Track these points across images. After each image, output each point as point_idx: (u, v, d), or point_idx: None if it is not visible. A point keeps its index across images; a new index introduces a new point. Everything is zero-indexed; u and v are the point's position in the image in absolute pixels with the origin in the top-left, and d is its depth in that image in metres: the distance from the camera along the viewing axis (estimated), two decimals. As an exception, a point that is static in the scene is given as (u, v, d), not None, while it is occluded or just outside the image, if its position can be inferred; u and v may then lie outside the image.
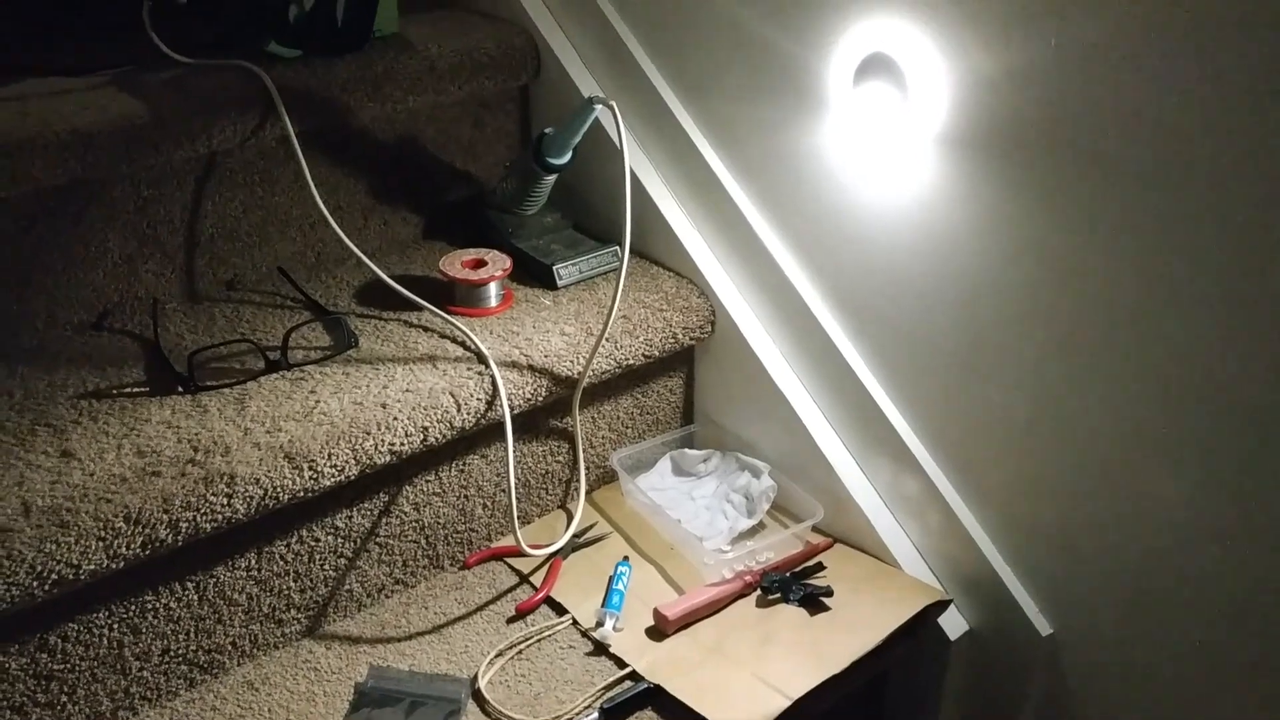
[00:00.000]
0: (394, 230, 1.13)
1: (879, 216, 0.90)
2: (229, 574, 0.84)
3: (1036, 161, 0.78)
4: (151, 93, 0.95)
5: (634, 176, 1.02)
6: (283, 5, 0.99)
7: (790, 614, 0.91)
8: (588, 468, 1.04)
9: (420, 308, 0.99)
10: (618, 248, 1.07)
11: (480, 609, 0.93)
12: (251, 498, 0.79)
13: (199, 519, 0.77)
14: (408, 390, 0.88)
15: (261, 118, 0.98)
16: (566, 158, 1.02)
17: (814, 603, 0.91)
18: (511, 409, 0.92)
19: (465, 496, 0.96)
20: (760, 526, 1.00)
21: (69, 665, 0.78)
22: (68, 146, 0.89)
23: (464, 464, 0.95)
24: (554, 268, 1.04)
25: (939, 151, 0.83)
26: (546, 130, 1.01)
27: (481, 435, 0.94)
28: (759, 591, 0.92)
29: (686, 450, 1.06)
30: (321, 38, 1.03)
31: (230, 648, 0.86)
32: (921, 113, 0.84)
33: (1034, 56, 0.76)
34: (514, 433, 0.92)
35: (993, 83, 0.79)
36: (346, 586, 0.91)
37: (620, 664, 0.86)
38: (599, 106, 0.96)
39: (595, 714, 0.82)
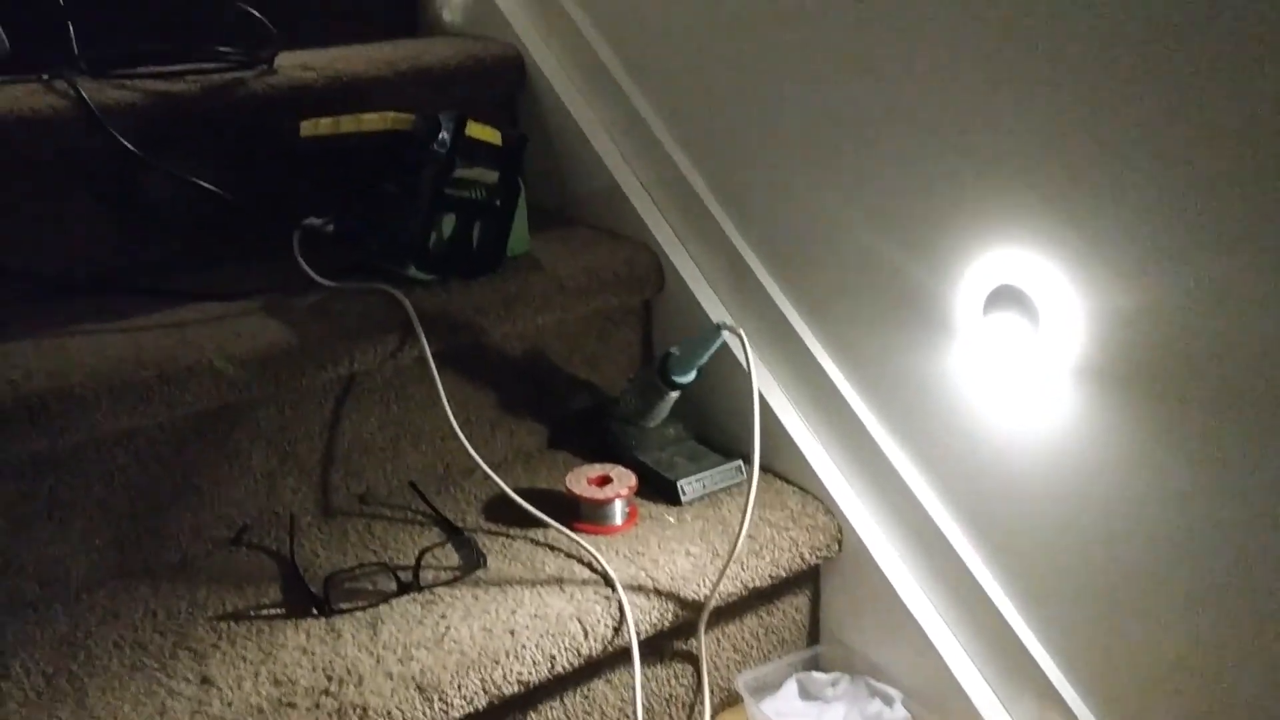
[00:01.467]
0: (520, 441, 1.15)
1: (1013, 444, 0.89)
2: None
3: (1177, 400, 0.76)
4: (299, 318, 1.00)
5: (761, 398, 1.03)
6: (423, 235, 1.04)
7: None
8: (712, 691, 1.02)
9: (546, 525, 1.00)
10: (741, 463, 1.08)
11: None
12: (383, 732, 0.79)
13: (332, 755, 0.77)
14: (536, 616, 0.88)
15: (400, 341, 1.02)
16: (691, 376, 1.04)
17: None
18: (638, 635, 0.91)
19: (589, 722, 0.95)
20: (893, 759, 0.95)
21: None
22: (222, 374, 0.93)
23: (588, 689, 0.94)
24: (678, 484, 1.04)
25: (1075, 384, 0.82)
26: (672, 350, 1.03)
27: (606, 659, 0.93)
28: (896, 835, 0.88)
29: (814, 673, 1.03)
30: (458, 263, 1.07)
31: None
32: (1055, 345, 0.83)
33: (1169, 294, 0.75)
34: (640, 658, 0.91)
35: (1128, 318, 0.78)
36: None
37: None
38: (726, 332, 0.97)
39: None
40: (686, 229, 1.16)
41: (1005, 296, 0.86)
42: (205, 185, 1.09)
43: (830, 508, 1.03)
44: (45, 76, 1.12)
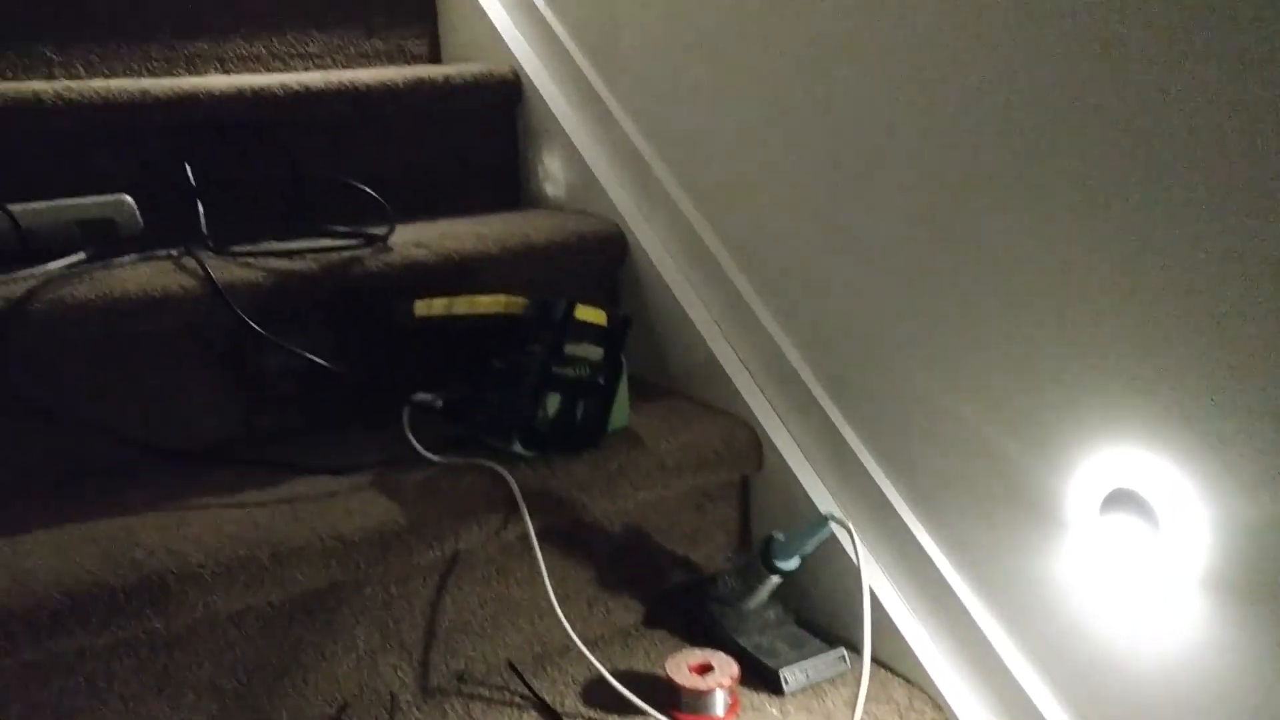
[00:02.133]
0: (616, 618, 1.15)
1: (1134, 650, 0.86)
2: None
3: (1318, 616, 0.74)
4: (408, 496, 1.02)
5: (870, 591, 1.02)
6: (529, 413, 1.06)
7: None
8: None
9: (645, 714, 0.98)
10: (844, 651, 1.05)
11: None
12: None
13: None
14: (639, 815, 0.86)
15: (504, 519, 1.03)
16: (795, 563, 1.03)
17: None
18: (743, 838, 0.88)
19: None
20: None
21: None
22: (332, 553, 0.95)
23: None
24: (781, 672, 1.02)
25: (1202, 594, 0.80)
26: (776, 535, 1.03)
27: None
28: None
29: None
30: (562, 439, 1.09)
31: None
32: (1178, 552, 0.81)
33: (1305, 508, 0.73)
34: None
35: (1256, 531, 0.76)
36: None
37: None
38: (834, 524, 0.97)
39: None
40: (786, 407, 1.17)
41: (1122, 498, 0.85)
42: (320, 361, 1.13)
43: (939, 703, 1.00)
44: (175, 253, 1.18)
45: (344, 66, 1.65)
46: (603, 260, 1.34)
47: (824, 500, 1.11)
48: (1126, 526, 0.84)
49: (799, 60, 1.08)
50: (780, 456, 1.15)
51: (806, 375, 1.14)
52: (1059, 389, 0.88)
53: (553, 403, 1.08)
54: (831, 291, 1.09)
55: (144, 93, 1.27)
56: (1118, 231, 0.82)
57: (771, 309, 1.18)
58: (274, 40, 1.60)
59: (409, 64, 1.69)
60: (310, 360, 1.14)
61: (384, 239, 1.23)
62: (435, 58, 1.72)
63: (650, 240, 1.32)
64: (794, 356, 1.15)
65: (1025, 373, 0.91)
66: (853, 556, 0.97)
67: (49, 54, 1.46)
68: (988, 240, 0.92)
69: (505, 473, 1.04)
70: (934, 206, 0.96)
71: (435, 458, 1.08)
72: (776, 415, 1.18)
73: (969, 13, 0.89)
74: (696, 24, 1.21)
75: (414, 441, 1.09)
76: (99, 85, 1.26)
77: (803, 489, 1.12)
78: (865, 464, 1.08)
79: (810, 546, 1.00)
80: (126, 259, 1.16)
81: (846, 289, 1.07)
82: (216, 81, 1.33)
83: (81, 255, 1.14)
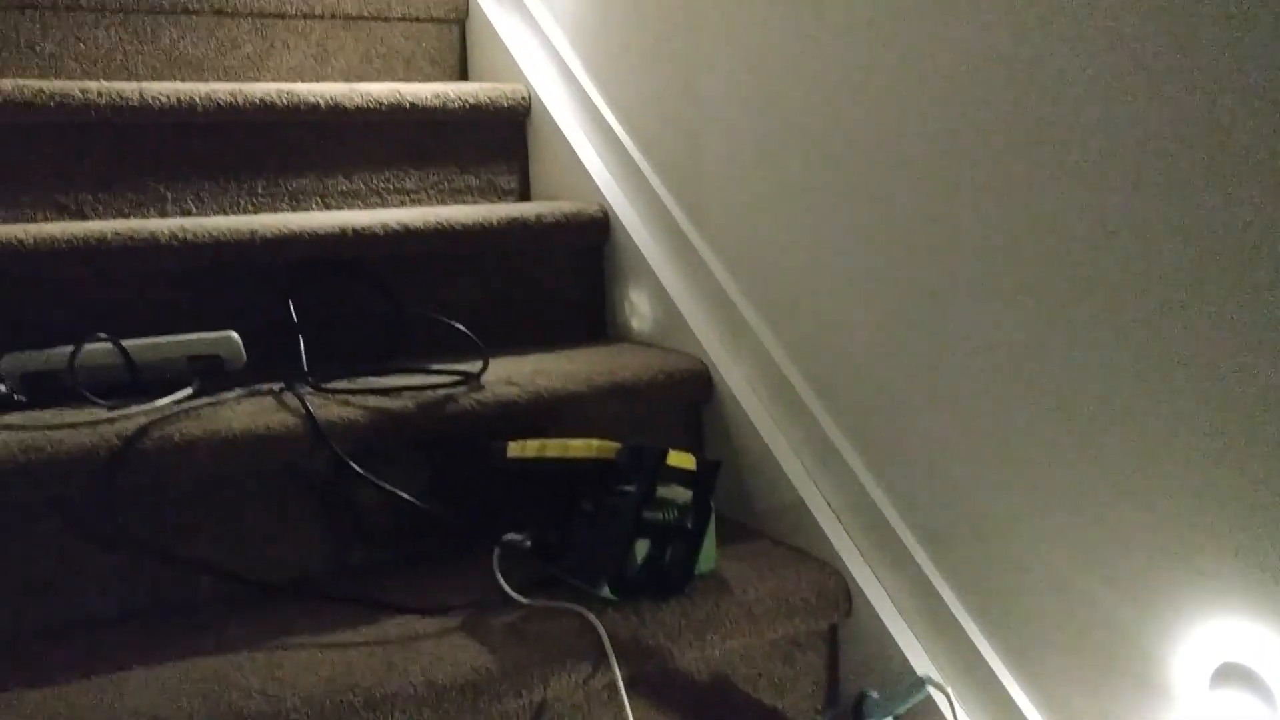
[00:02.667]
0: (700, 768, 1.13)
1: (1252, 835, 0.82)
2: None
3: None
4: (496, 640, 1.02)
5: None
6: (619, 560, 1.06)
7: None
8: None
9: None
10: (938, 814, 1.02)
11: None
12: None
13: None
14: None
15: (593, 667, 1.02)
16: (887, 721, 1.01)
17: None
18: None
19: None
20: None
21: None
22: (424, 700, 0.95)
23: None
24: (872, 836, 1.00)
25: (1325, 780, 0.77)
26: (870, 693, 1.01)
27: None
28: None
29: None
30: (650, 584, 1.09)
31: None
32: (1298, 734, 0.78)
33: None
34: None
35: (1385, 717, 0.73)
36: None
37: None
38: (931, 688, 0.95)
39: None
40: (876, 555, 1.16)
41: (1233, 673, 0.82)
42: (412, 500, 1.15)
43: None
44: (277, 389, 1.22)
45: (438, 201, 1.71)
46: (688, 397, 1.35)
47: (916, 654, 1.09)
48: (1238, 704, 0.82)
49: (888, 207, 1.10)
50: (870, 606, 1.13)
51: (896, 523, 1.13)
52: (1166, 550, 0.87)
53: (642, 549, 1.08)
54: (922, 440, 1.09)
55: (253, 233, 1.33)
56: (1231, 396, 0.81)
57: (860, 453, 1.18)
58: (372, 176, 1.66)
59: (500, 198, 1.75)
60: (403, 499, 1.16)
61: (477, 377, 1.26)
62: (525, 192, 1.77)
63: (736, 379, 1.33)
64: (883, 503, 1.15)
65: (1130, 531, 0.89)
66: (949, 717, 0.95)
67: (162, 190, 1.53)
68: (1086, 393, 0.91)
69: (594, 620, 1.04)
70: (1026, 360, 0.96)
71: (524, 600, 1.09)
72: (866, 563, 1.17)
73: (1094, 166, 0.91)
74: (785, 166, 1.24)
75: (503, 583, 1.10)
76: (211, 225, 1.32)
77: (894, 641, 1.10)
78: (959, 618, 1.06)
79: (904, 707, 0.98)
80: (231, 394, 1.20)
81: (938, 437, 1.07)
82: (321, 221, 1.38)
83: (189, 390, 1.19)
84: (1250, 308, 0.79)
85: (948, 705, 0.92)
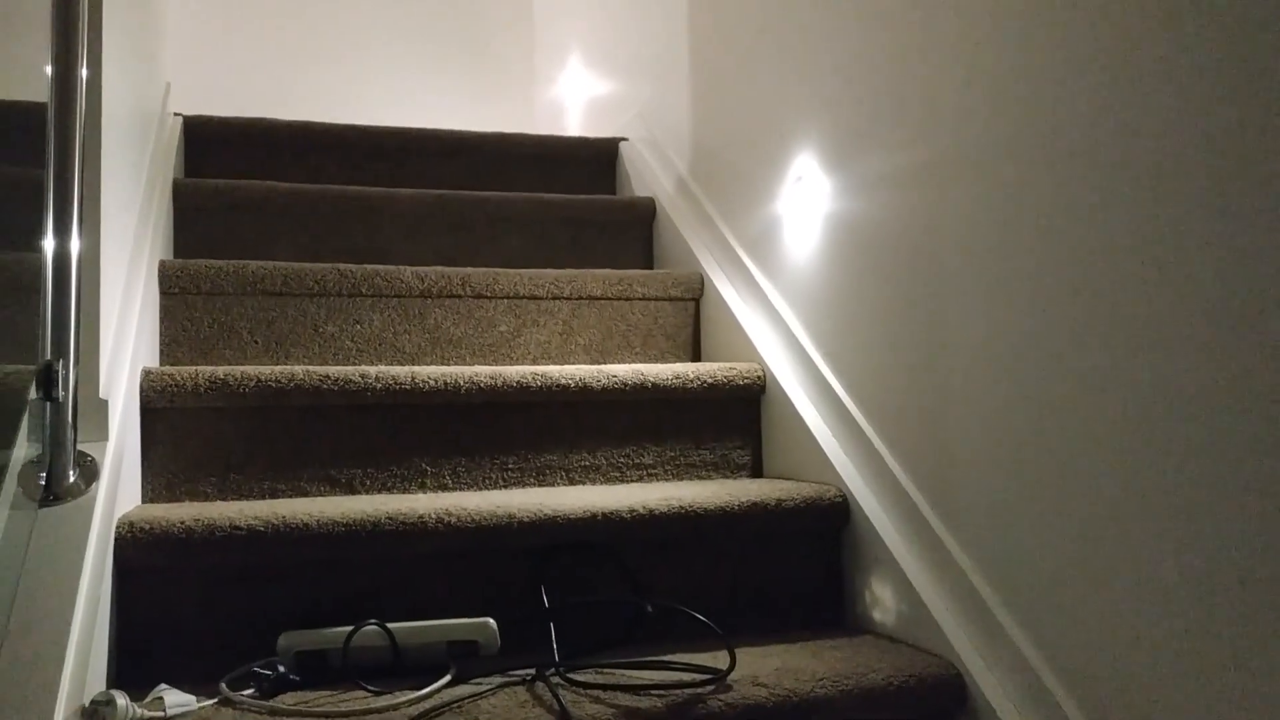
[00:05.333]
0: None
1: None
2: None
3: None
4: None
5: None
6: None
7: None
8: None
9: None
10: None
11: None
12: None
13: None
14: None
15: None
16: None
17: None
18: None
19: None
20: None
21: None
22: None
23: None
24: None
25: None
26: None
27: None
28: None
29: None
30: None
31: None
32: None
33: None
34: None
35: None
36: None
37: None
38: None
39: None
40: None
41: None
42: (663, 808, 1.13)
43: None
44: (528, 677, 1.24)
45: (674, 476, 1.75)
46: (938, 703, 1.29)
47: None
48: None
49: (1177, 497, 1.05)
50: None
51: None
52: None
53: None
54: (1217, 787, 1.00)
55: (510, 517, 1.40)
56: None
57: (1139, 788, 1.09)
58: (613, 452, 1.73)
59: (733, 473, 1.78)
60: (651, 805, 1.14)
61: (724, 676, 1.25)
62: (757, 468, 1.80)
63: (991, 688, 1.27)
64: None
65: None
66: None
67: (424, 465, 1.63)
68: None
69: None
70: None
71: None
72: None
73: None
74: (1047, 452, 1.21)
75: None
76: (473, 509, 1.39)
77: None
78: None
79: None
80: (487, 682, 1.23)
81: (1237, 788, 0.98)
82: (571, 502, 1.44)
83: (448, 678, 1.22)
84: None
85: None
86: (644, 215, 2.34)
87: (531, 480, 1.69)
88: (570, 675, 1.26)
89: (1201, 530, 1.02)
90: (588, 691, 1.21)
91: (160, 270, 1.76)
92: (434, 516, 1.38)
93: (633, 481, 1.73)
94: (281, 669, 1.24)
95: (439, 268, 1.90)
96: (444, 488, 1.64)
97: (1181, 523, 1.04)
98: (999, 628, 1.27)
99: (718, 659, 1.29)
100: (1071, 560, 1.17)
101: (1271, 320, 0.95)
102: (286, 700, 1.17)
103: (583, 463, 1.71)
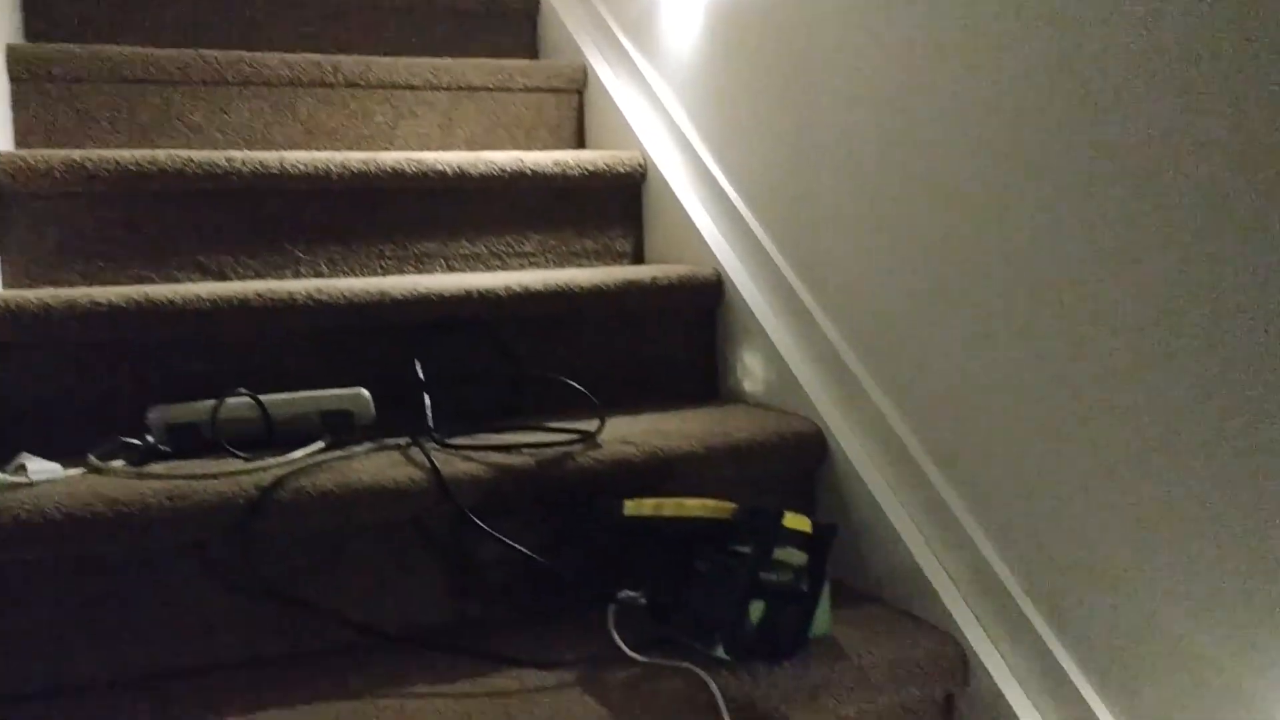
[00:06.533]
0: (813, 836, 1.11)
1: None
2: None
3: None
4: (611, 697, 1.03)
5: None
6: (734, 620, 1.07)
7: None
8: None
9: None
10: None
11: None
12: None
13: None
14: None
15: (708, 728, 1.03)
16: (1009, 795, 0.98)
17: None
18: None
19: None
20: None
21: None
22: (541, 753, 0.97)
23: None
24: None
25: None
26: (989, 765, 0.99)
27: None
28: None
29: None
30: (764, 646, 1.09)
31: None
32: None
33: None
34: None
35: None
36: None
37: None
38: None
39: None
40: (994, 623, 1.14)
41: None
42: (533, 556, 1.18)
43: None
44: (403, 444, 1.26)
45: (556, 264, 1.76)
46: (802, 460, 1.36)
47: (1037, 727, 1.07)
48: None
49: (1019, 264, 1.10)
50: (988, 675, 1.11)
51: (1017, 591, 1.11)
52: (1304, 632, 0.84)
53: (757, 610, 1.08)
54: (1047, 509, 1.07)
55: (383, 294, 1.39)
56: (1366, 473, 0.78)
57: (980, 520, 1.16)
58: (494, 240, 1.72)
59: (615, 261, 1.79)
60: (523, 553, 1.18)
61: (594, 435, 1.28)
62: (639, 256, 1.81)
63: (850, 443, 1.33)
64: (1003, 571, 1.13)
65: (1267, 597, 0.87)
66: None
67: (297, 253, 1.61)
68: (1219, 461, 0.89)
69: (709, 680, 1.05)
70: (1169, 426, 0.95)
71: (639, 657, 1.10)
72: (983, 631, 1.15)
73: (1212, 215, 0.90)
74: (905, 219, 1.25)
75: (618, 639, 1.11)
76: (344, 287, 1.38)
77: (1012, 711, 1.08)
78: (1079, 688, 1.04)
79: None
80: (361, 449, 1.25)
81: (1064, 507, 1.05)
82: (447, 283, 1.44)
83: (321, 444, 1.24)
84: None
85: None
86: (529, 4, 2.26)
87: (411, 269, 1.68)
88: (446, 442, 1.28)
89: (1024, 272, 1.06)
90: (460, 452, 1.24)
91: (8, 55, 1.67)
92: (304, 294, 1.37)
93: (514, 269, 1.73)
94: (151, 439, 1.24)
95: (309, 55, 1.83)
96: (319, 275, 1.62)
97: (1010, 269, 1.08)
98: (859, 387, 1.33)
99: (592, 426, 1.32)
100: (918, 318, 1.22)
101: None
102: (156, 469, 1.18)
103: (463, 251, 1.71)
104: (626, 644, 1.11)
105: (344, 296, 1.38)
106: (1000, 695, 1.10)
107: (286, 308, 1.35)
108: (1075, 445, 1.03)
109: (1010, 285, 1.09)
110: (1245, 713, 0.89)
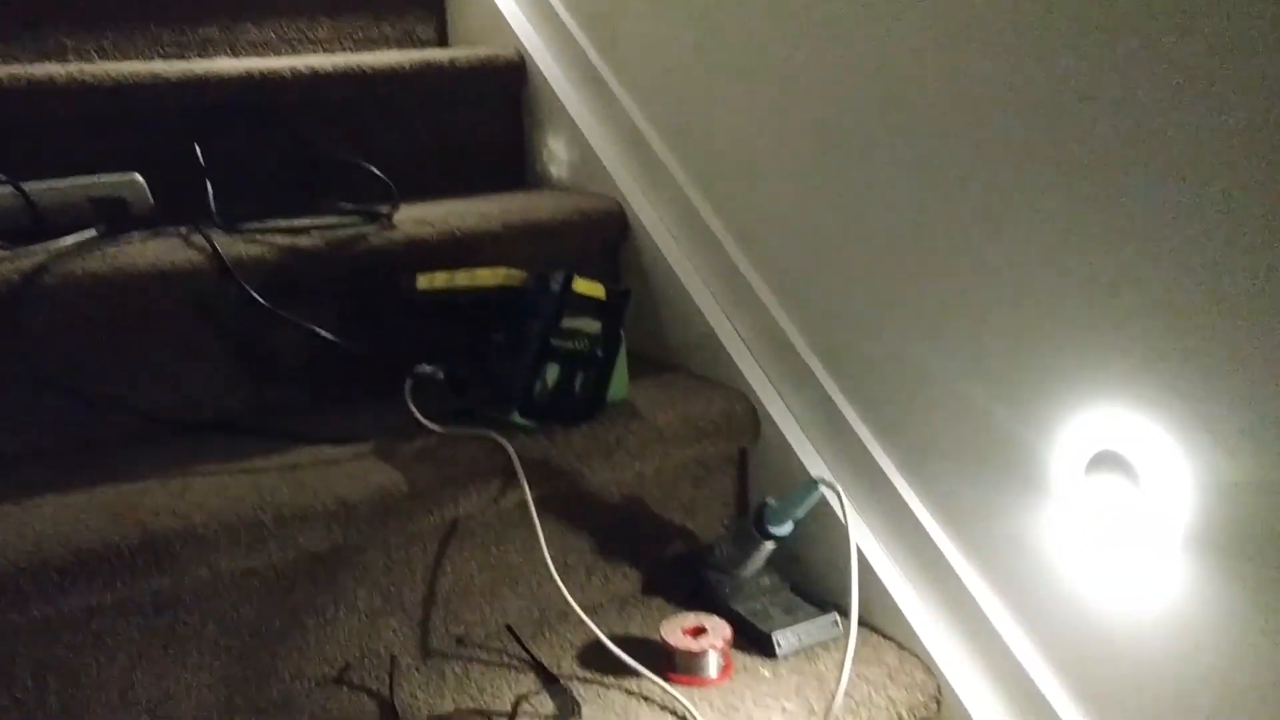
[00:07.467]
0: (614, 585, 1.17)
1: (1119, 609, 0.87)
2: None
3: (1294, 570, 0.75)
4: (407, 463, 1.04)
5: (859, 552, 1.03)
6: (528, 384, 1.08)
7: None
8: None
9: (641, 675, 1.00)
10: (836, 615, 1.07)
11: None
12: None
13: None
14: (630, 770, 0.88)
15: (503, 486, 1.05)
16: (788, 528, 1.04)
17: None
18: (733, 794, 0.90)
19: None
20: None
21: None
22: (334, 516, 0.97)
23: None
24: (773, 636, 1.04)
25: (1184, 553, 0.81)
26: (769, 500, 1.04)
27: (700, 818, 0.92)
28: None
29: (912, 840, 1.00)
30: (561, 410, 1.11)
31: None
32: (1161, 512, 0.82)
33: (1274, 469, 0.74)
34: (734, 818, 0.89)
35: (1237, 490, 0.77)
36: None
37: None
38: (824, 487, 0.98)
39: None
40: (783, 379, 1.18)
41: (1107, 460, 0.86)
42: (325, 334, 1.16)
43: (929, 665, 1.02)
44: (184, 230, 1.21)
45: (352, 51, 1.67)
46: (604, 237, 1.36)
47: (817, 467, 1.13)
48: (1110, 487, 0.85)
49: (801, 38, 1.09)
50: (777, 428, 1.16)
51: (802, 348, 1.16)
52: (1044, 351, 0.90)
53: (551, 374, 1.10)
54: (829, 267, 1.11)
55: (155, 76, 1.30)
56: (1101, 196, 0.83)
57: (770, 284, 1.19)
58: (283, 26, 1.62)
59: (416, 48, 1.72)
60: (316, 334, 1.16)
61: (388, 216, 1.25)
62: (443, 42, 1.74)
63: (651, 218, 1.33)
64: (791, 331, 1.17)
65: (1011, 335, 0.92)
66: (841, 518, 0.99)
67: (63, 40, 1.49)
68: (977, 213, 0.93)
69: (504, 441, 1.06)
70: (929, 185, 0.97)
71: (436, 427, 1.10)
72: (773, 387, 1.19)
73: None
74: (699, 3, 1.22)
75: (415, 412, 1.11)
76: (110, 68, 1.29)
77: (798, 459, 1.14)
78: (858, 431, 1.10)
79: (802, 511, 1.02)
80: (137, 235, 1.19)
81: (843, 265, 1.09)
82: (226, 65, 1.35)
83: (93, 232, 1.17)
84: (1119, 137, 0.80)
85: (838, 503, 0.96)
86: None
87: (193, 54, 1.57)
88: (232, 228, 1.23)
89: (782, 21, 1.06)
90: (245, 236, 1.19)
91: None
92: (65, 75, 1.27)
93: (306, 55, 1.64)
94: (-100, 232, 1.15)
95: None
96: (89, 63, 1.51)
97: (766, 23, 1.08)
98: (657, 161, 1.32)
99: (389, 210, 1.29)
100: (708, 85, 1.21)
101: None
102: (-92, 260, 1.10)
103: (249, 38, 1.61)
104: (425, 416, 1.11)
105: (110, 77, 1.28)
106: (787, 444, 1.15)
107: (45, 90, 1.25)
108: (843, 212, 1.06)
109: (781, 62, 1.09)
110: (994, 438, 0.95)
